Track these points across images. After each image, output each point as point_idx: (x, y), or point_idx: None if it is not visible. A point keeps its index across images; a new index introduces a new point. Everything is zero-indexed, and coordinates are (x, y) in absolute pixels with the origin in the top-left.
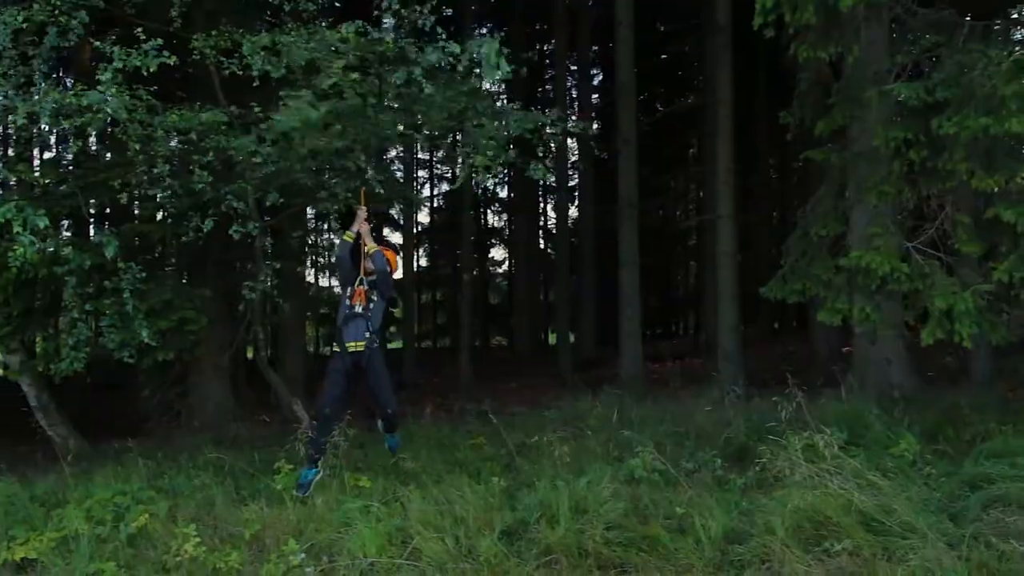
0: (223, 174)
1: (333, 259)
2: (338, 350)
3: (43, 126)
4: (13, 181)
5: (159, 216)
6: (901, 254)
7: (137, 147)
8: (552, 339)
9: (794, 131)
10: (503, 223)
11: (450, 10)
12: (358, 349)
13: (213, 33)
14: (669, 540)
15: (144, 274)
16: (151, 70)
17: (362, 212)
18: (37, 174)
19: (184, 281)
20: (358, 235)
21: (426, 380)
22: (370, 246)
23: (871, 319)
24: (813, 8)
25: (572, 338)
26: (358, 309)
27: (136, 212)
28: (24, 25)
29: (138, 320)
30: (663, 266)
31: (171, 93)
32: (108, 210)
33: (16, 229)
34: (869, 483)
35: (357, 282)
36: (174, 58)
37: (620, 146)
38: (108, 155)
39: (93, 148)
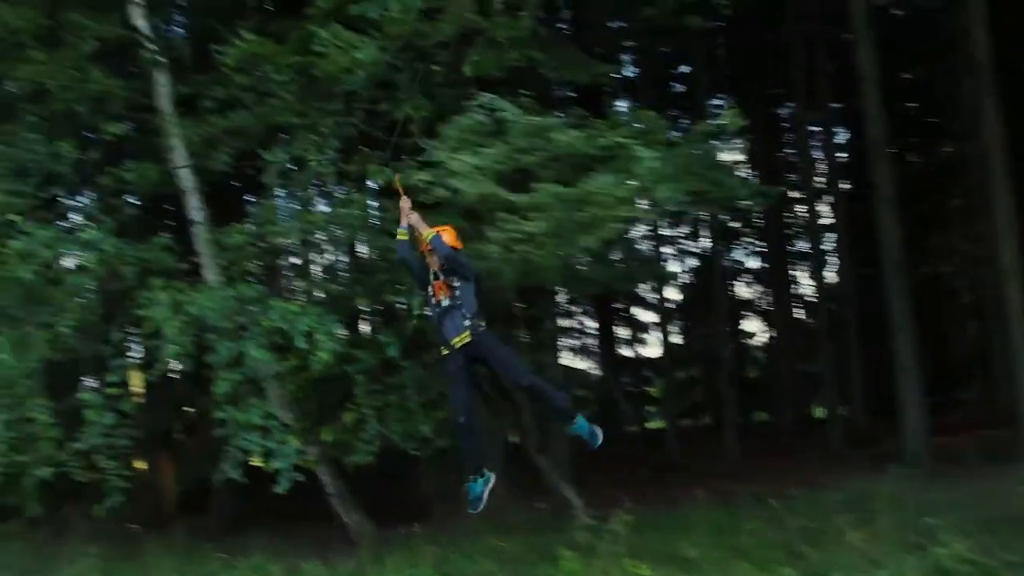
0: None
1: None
2: (446, 352)
3: (320, 236)
4: (303, 290)
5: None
6: None
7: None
8: (818, 412)
9: None
10: (755, 294)
11: (682, 87)
12: (466, 341)
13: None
14: None
15: (422, 370)
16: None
17: (405, 202)
18: (323, 282)
19: None
20: (410, 229)
21: (690, 459)
22: (425, 233)
23: None
24: None
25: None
26: (446, 302)
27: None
28: (287, 163)
29: (419, 414)
30: (935, 327)
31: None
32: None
33: (320, 337)
34: None
35: (432, 277)
36: (429, 175)
37: (877, 205)
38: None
39: (363, 255)
